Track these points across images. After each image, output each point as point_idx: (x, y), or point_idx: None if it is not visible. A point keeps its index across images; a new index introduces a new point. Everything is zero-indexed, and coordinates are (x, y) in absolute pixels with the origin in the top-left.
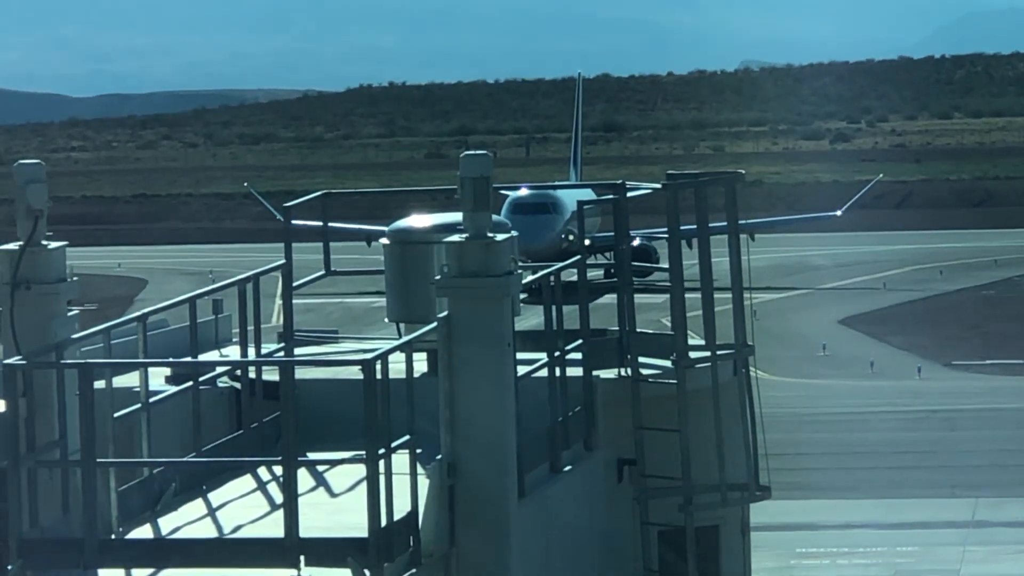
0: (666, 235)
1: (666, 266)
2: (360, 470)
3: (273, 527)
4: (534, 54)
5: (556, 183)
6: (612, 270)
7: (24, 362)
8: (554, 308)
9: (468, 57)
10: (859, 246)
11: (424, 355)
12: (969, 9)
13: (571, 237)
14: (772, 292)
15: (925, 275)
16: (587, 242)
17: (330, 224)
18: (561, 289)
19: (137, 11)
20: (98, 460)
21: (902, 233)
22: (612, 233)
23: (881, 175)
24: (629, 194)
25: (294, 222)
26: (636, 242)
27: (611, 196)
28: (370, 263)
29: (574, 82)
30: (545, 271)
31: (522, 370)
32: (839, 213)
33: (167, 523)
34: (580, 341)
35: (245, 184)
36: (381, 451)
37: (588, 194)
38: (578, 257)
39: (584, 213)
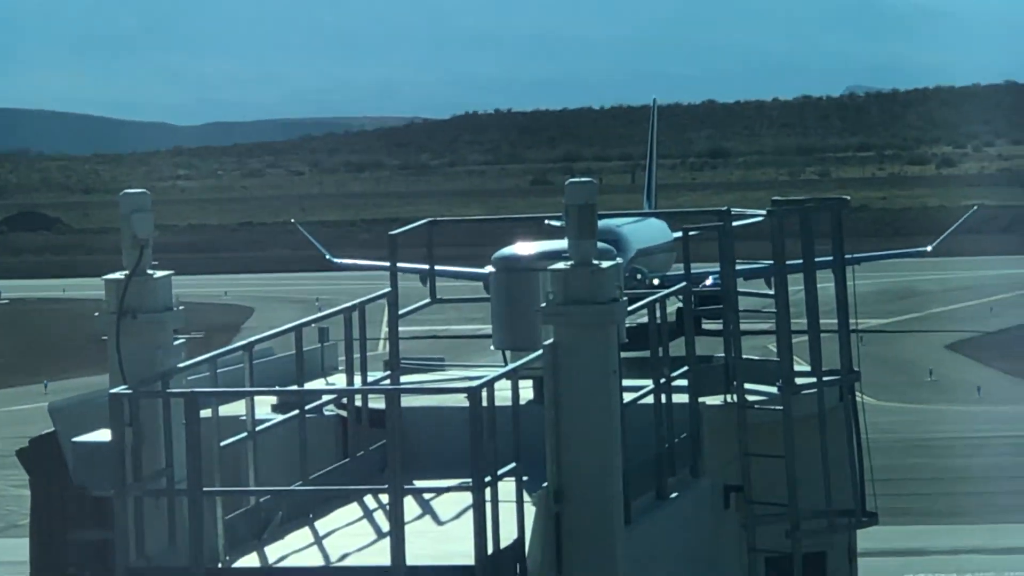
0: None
1: (772, 292)
2: (466, 498)
3: (380, 556)
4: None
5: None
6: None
7: (130, 391)
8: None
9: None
10: (966, 271)
11: (530, 382)
12: None
13: (639, 276)
14: (878, 318)
15: None
16: (656, 282)
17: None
18: (666, 319)
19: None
20: (204, 489)
21: (1009, 257)
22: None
23: (976, 206)
24: (734, 222)
25: (338, 260)
26: (709, 281)
27: (717, 223)
28: (475, 291)
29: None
30: (650, 298)
31: (628, 397)
32: (929, 249)
33: (273, 552)
34: (686, 368)
35: (292, 220)
36: (487, 479)
37: (655, 224)
38: (683, 284)
39: (659, 248)
